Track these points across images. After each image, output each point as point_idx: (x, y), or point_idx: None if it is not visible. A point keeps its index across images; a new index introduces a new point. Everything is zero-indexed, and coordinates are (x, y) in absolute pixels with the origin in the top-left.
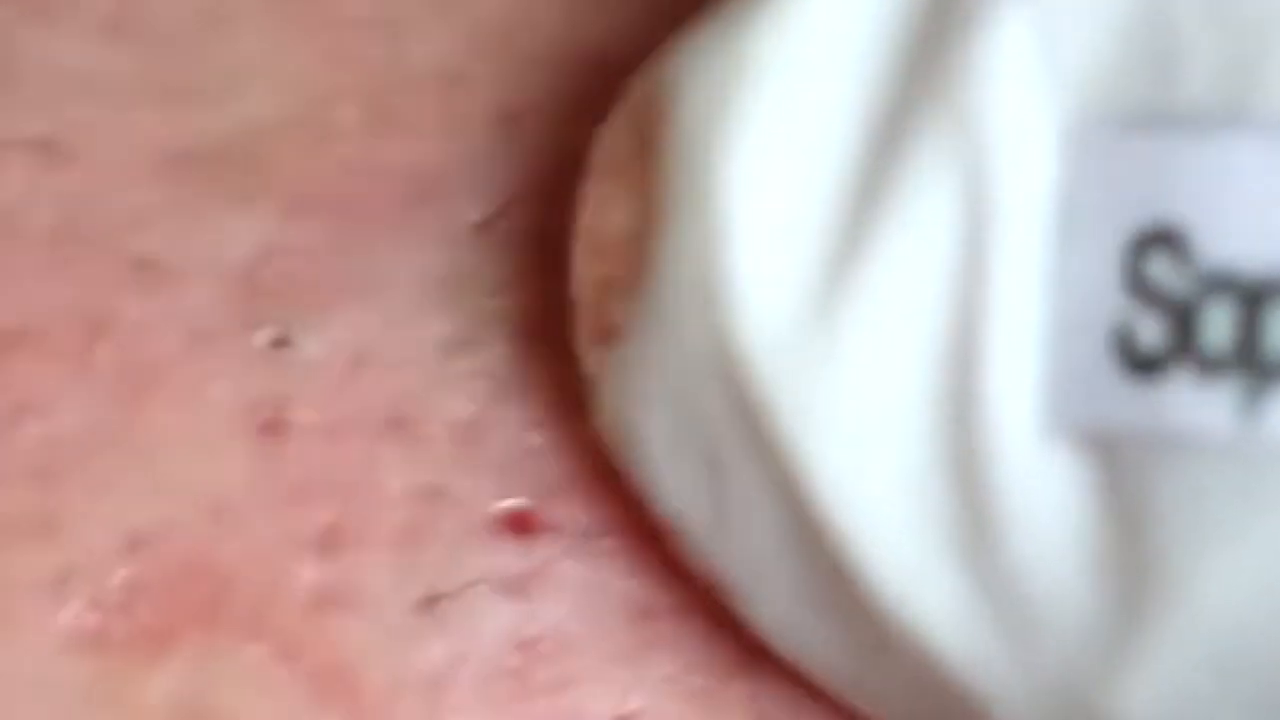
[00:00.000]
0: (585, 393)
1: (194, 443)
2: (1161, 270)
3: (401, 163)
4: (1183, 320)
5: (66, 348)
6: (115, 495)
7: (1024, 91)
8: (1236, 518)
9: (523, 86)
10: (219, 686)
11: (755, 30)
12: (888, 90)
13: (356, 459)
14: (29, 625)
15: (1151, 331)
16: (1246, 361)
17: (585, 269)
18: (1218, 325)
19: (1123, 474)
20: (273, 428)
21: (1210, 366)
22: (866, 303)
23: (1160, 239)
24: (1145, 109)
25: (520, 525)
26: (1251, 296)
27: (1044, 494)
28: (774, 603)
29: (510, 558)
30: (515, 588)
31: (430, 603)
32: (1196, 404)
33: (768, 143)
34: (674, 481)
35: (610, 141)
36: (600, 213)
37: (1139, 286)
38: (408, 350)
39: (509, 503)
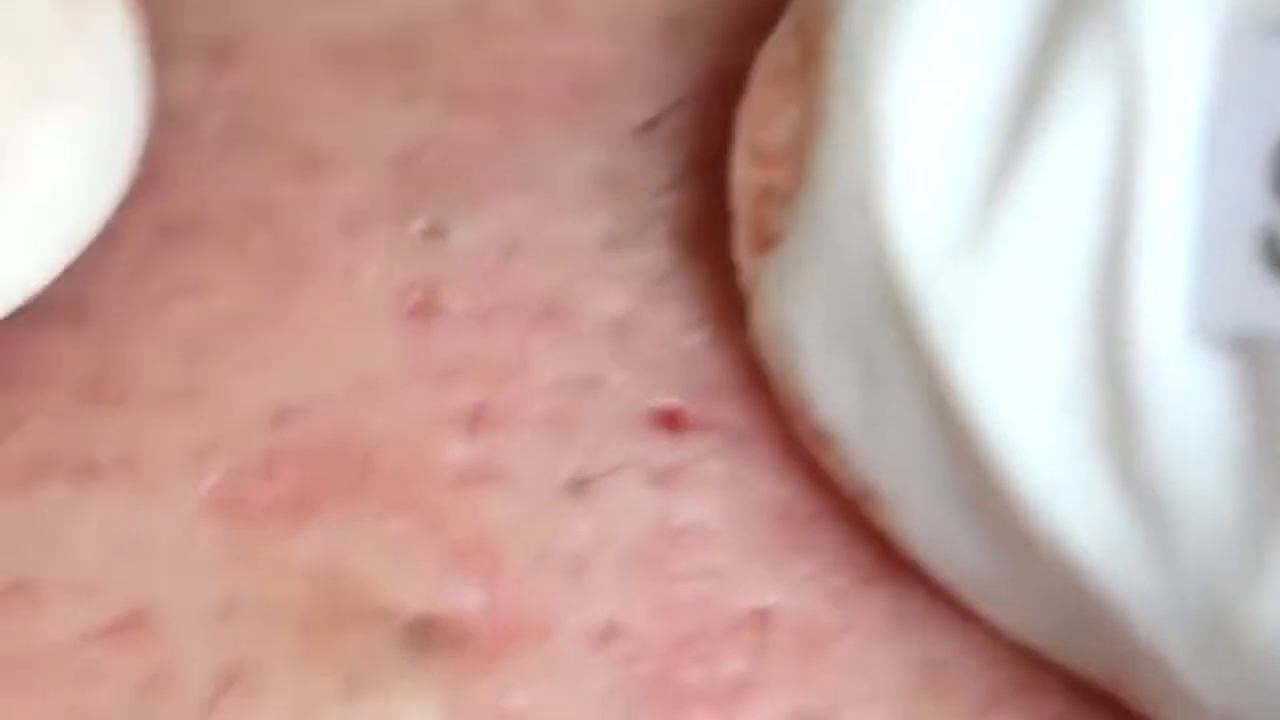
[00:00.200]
0: (742, 299)
1: (345, 323)
2: None
3: (568, 59)
4: None
5: (227, 233)
6: (265, 371)
7: (1177, 1)
8: None
9: None
10: (358, 554)
11: None
12: (1046, 1)
13: (507, 345)
14: (174, 490)
15: None
16: None
17: (746, 177)
18: None
19: (1268, 377)
20: (423, 310)
21: None
22: (1022, 208)
23: None
24: None
25: (671, 421)
26: None
27: (1190, 397)
28: (918, 507)
29: (659, 450)
30: (662, 479)
31: (578, 485)
32: None
33: (929, 52)
34: (828, 386)
35: (775, 51)
36: (763, 121)
37: None
38: (564, 244)
39: (661, 399)
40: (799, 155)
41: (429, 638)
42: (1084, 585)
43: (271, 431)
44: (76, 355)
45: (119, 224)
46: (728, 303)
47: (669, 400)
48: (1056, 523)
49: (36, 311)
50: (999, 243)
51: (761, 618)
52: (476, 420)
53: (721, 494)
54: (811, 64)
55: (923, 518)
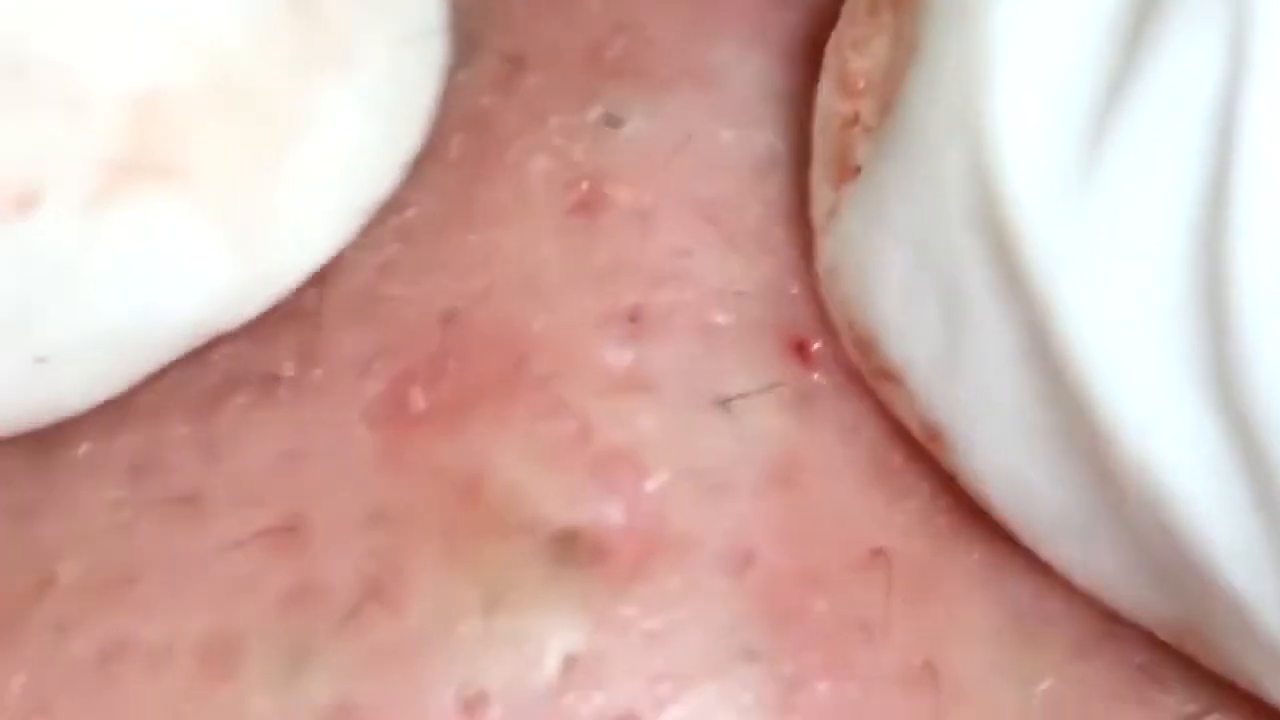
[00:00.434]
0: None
1: (512, 216)
2: None
3: None
4: None
5: None
6: (440, 271)
7: None
8: None
9: None
10: (506, 462)
11: None
12: None
13: (667, 246)
14: (339, 395)
15: None
16: None
17: (830, 106)
18: None
19: None
20: (588, 204)
21: None
22: (1130, 135)
23: None
24: None
25: (802, 351)
26: None
27: None
28: (999, 450)
29: (797, 377)
30: (797, 407)
31: (724, 402)
32: None
33: None
34: (906, 323)
35: None
36: (853, 52)
37: None
38: (731, 148)
39: (797, 330)
40: (889, 84)
41: (571, 551)
42: (1174, 525)
43: (439, 334)
44: None
45: None
46: None
47: (802, 331)
48: (1154, 458)
49: None
50: (1106, 171)
51: (881, 557)
52: (631, 324)
53: (839, 430)
54: None
55: (1002, 462)
